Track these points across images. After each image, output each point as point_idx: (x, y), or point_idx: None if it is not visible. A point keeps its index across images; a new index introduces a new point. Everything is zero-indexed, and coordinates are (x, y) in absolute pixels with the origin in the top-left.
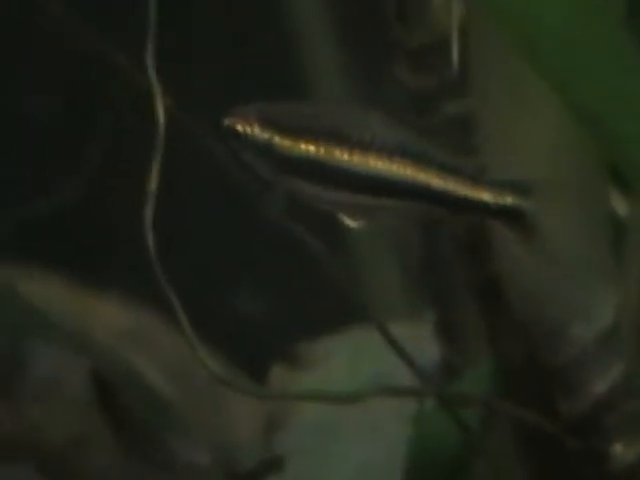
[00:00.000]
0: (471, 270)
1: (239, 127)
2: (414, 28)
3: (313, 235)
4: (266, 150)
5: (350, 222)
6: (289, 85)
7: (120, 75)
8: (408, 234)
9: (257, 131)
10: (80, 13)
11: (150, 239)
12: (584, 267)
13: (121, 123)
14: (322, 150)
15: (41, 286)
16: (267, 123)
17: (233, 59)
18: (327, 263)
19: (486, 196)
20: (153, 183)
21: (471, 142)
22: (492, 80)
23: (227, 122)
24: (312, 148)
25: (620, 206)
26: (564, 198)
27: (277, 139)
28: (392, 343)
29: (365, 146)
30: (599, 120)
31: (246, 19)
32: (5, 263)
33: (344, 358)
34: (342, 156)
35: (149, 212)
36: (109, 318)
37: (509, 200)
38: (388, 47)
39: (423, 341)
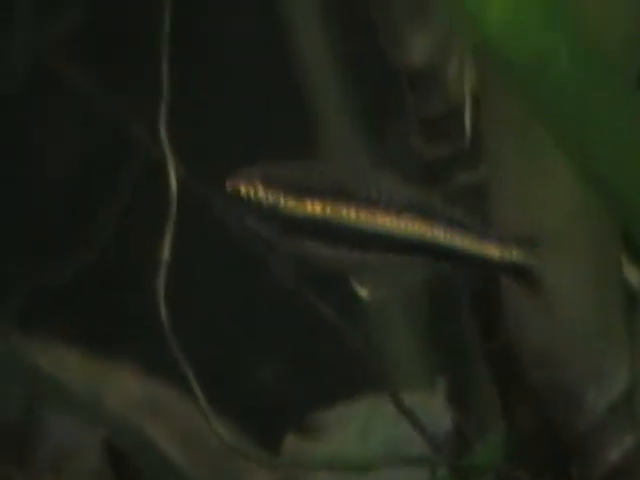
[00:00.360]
0: (484, 337)
1: (243, 189)
2: (428, 97)
3: (326, 302)
4: (270, 212)
5: (363, 291)
6: (302, 148)
7: (134, 144)
8: (421, 301)
9: (261, 193)
10: (95, 82)
11: (163, 310)
12: (598, 333)
13: (134, 192)
14: (328, 209)
15: (56, 355)
16: (271, 184)
17: (248, 126)
18: (340, 331)
19: (493, 251)
20: (166, 252)
21: (484, 210)
22: (505, 148)
23: (230, 185)
24: (318, 208)
25: (632, 275)
26: (575, 257)
27: (282, 200)
28: (405, 411)
29: (371, 203)
30: (613, 188)
31: (260, 87)
32: (21, 332)
33: (357, 426)
34: (349, 214)
35: (161, 282)
36: (123, 388)
37: (515, 255)
38: (402, 116)
39: (436, 409)
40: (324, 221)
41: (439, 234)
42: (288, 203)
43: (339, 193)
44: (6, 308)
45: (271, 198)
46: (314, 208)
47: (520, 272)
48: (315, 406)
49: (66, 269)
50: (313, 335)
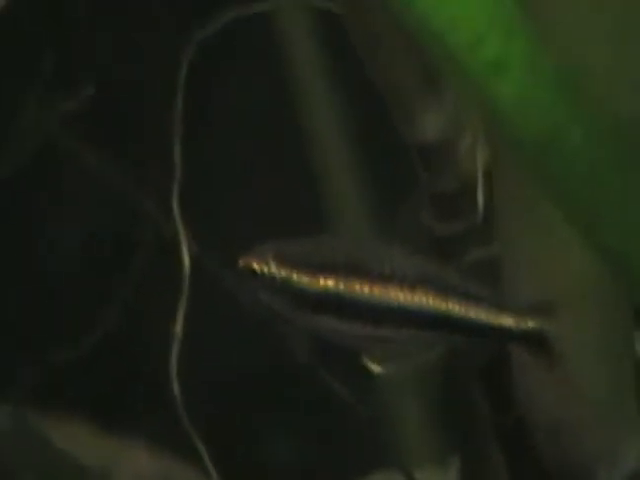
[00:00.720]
0: (496, 414)
1: (255, 266)
2: (440, 173)
3: (339, 377)
4: (283, 287)
5: (375, 367)
6: (314, 224)
7: (147, 221)
8: (433, 376)
9: (274, 269)
10: (107, 160)
11: (175, 385)
12: (610, 407)
13: (148, 268)
14: (341, 284)
15: (68, 430)
16: (283, 260)
17: (260, 203)
18: (353, 407)
19: (508, 321)
20: (178, 327)
21: (497, 287)
22: (516, 224)
23: (243, 262)
24: (330, 283)
25: None
26: (586, 329)
27: (294, 276)
28: None
29: (384, 278)
30: (623, 262)
31: (272, 165)
32: (34, 407)
33: None
34: (362, 289)
35: (174, 357)
36: (135, 463)
37: (531, 323)
38: (414, 192)
39: None
40: (337, 296)
41: (454, 307)
42: (301, 279)
43: (352, 268)
44: (19, 384)
45: (284, 274)
46: (327, 283)
47: (536, 341)
48: None
49: (79, 345)
50: (326, 411)
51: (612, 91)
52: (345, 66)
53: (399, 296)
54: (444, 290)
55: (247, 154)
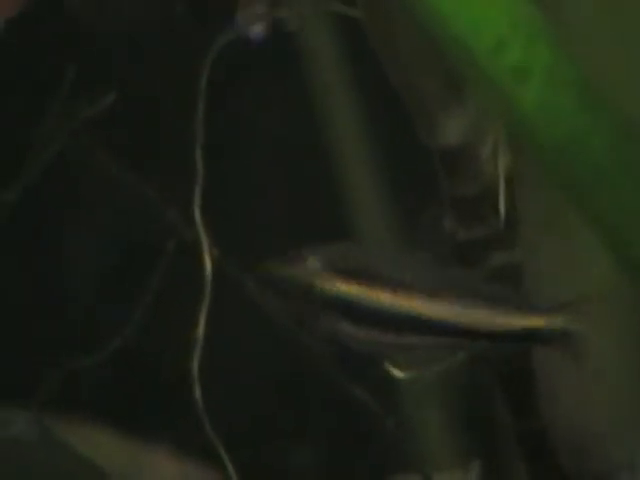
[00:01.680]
0: (517, 420)
1: (277, 271)
2: (462, 178)
3: (361, 384)
4: (306, 293)
5: (397, 372)
6: (335, 231)
7: (169, 227)
8: (454, 383)
9: (297, 274)
10: (129, 166)
11: (197, 389)
12: (631, 416)
13: (170, 273)
14: (364, 291)
15: (90, 436)
16: (307, 266)
17: (281, 210)
18: (374, 412)
19: (538, 322)
20: (200, 332)
21: (520, 292)
22: (539, 229)
23: (265, 267)
24: (354, 290)
25: None
26: (607, 334)
27: (317, 282)
28: None
29: (407, 285)
30: None
31: (292, 172)
32: (56, 414)
33: None
34: (384, 297)
35: (196, 362)
36: (159, 470)
37: (560, 323)
38: (436, 198)
39: None
40: (359, 303)
41: (480, 312)
42: (324, 284)
43: (374, 275)
44: (41, 391)
45: (306, 279)
46: (350, 290)
47: (565, 341)
48: None
49: (101, 351)
50: (348, 416)
51: (628, 95)
52: (365, 72)
53: (422, 304)
54: (469, 296)
55: (267, 161)
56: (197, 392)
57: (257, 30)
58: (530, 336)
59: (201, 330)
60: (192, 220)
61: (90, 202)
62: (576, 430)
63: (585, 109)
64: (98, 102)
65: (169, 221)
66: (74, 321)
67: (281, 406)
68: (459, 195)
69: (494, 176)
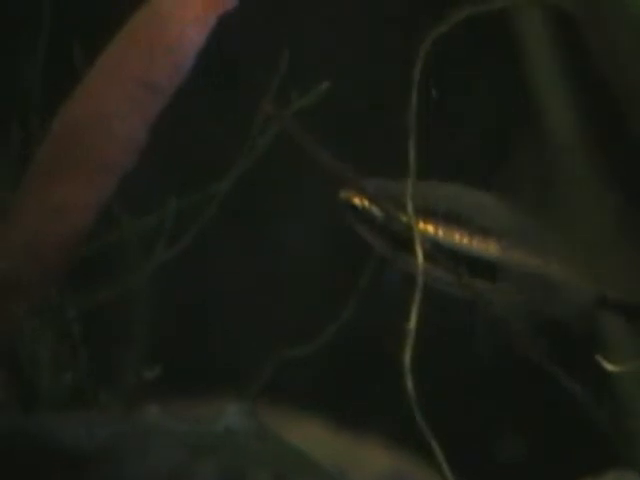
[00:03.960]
0: None
1: (355, 201)
2: None
3: (572, 376)
4: (382, 227)
5: (608, 365)
6: None
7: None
8: None
9: (373, 206)
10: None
11: (409, 383)
12: None
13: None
14: (440, 231)
15: (301, 426)
16: (383, 200)
17: None
18: (586, 406)
19: None
20: (412, 326)
21: None
22: None
23: (343, 195)
24: (430, 228)
25: None
26: None
27: (394, 216)
28: None
29: (485, 231)
30: None
31: None
32: (266, 405)
33: None
34: (461, 239)
35: (408, 356)
36: (370, 461)
37: None
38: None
39: None
40: (435, 242)
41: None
42: (399, 219)
43: (453, 217)
44: (253, 381)
45: (382, 213)
46: (426, 228)
47: None
48: None
49: (311, 342)
50: (557, 407)
51: None
52: (576, 66)
53: (496, 250)
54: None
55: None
56: (409, 383)
57: None
58: None
59: (413, 321)
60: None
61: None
62: None
63: None
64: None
65: None
66: (286, 311)
67: (489, 396)
68: None
69: None
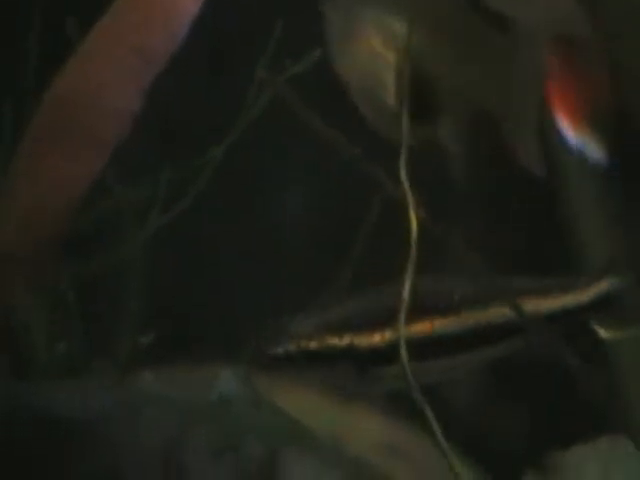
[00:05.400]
0: None
1: None
2: None
3: (568, 344)
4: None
5: (604, 332)
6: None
7: (377, 186)
8: None
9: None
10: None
11: (403, 352)
12: None
13: (376, 230)
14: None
15: (297, 399)
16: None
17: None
18: (581, 375)
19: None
20: (405, 294)
21: None
22: None
23: None
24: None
25: None
26: None
27: None
28: None
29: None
30: None
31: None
32: (266, 376)
33: (595, 468)
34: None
35: (402, 327)
36: (366, 430)
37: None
38: None
39: None
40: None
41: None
42: None
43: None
44: (248, 348)
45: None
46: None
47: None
48: (554, 448)
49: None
50: (554, 376)
51: None
52: None
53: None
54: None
55: None
56: (403, 354)
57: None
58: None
59: (406, 291)
60: (398, 179)
61: (293, 159)
62: None
63: None
64: (303, 59)
65: (377, 181)
66: (283, 278)
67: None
68: None
69: None
